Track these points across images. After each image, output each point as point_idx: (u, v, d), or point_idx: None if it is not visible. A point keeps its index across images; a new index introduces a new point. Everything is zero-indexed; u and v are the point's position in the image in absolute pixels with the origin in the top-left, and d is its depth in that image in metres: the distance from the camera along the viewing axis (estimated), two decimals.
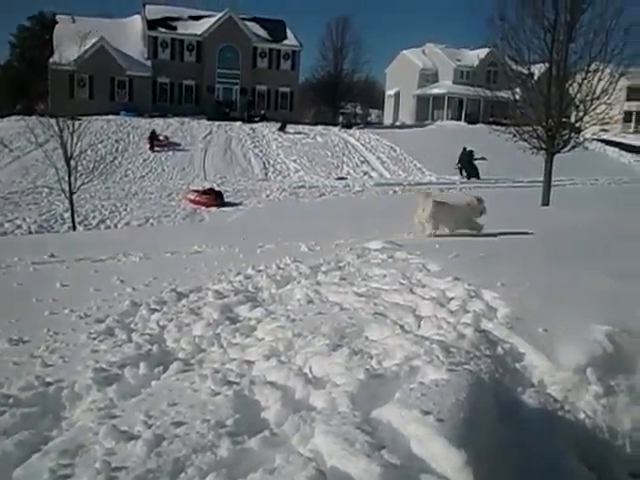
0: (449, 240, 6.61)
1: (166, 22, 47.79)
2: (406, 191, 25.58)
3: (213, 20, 48.05)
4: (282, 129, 39.21)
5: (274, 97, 50.09)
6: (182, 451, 1.83)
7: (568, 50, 19.17)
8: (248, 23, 49.32)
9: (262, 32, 50.09)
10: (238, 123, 40.67)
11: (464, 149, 30.85)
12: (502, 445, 2.23)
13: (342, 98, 57.88)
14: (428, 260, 4.72)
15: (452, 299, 3.48)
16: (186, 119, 40.67)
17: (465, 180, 29.39)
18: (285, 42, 50.88)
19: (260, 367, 2.55)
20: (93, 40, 39.92)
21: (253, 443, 1.83)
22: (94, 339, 3.34)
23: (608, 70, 19.31)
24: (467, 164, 30.02)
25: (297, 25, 79.68)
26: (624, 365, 2.76)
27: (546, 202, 18.35)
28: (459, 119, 53.65)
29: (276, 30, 50.90)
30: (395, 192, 25.14)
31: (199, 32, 47.67)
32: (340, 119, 48.61)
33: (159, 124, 37.86)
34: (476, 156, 36.72)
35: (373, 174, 32.22)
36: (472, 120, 50.21)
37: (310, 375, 2.46)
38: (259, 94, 49.51)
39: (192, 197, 21.25)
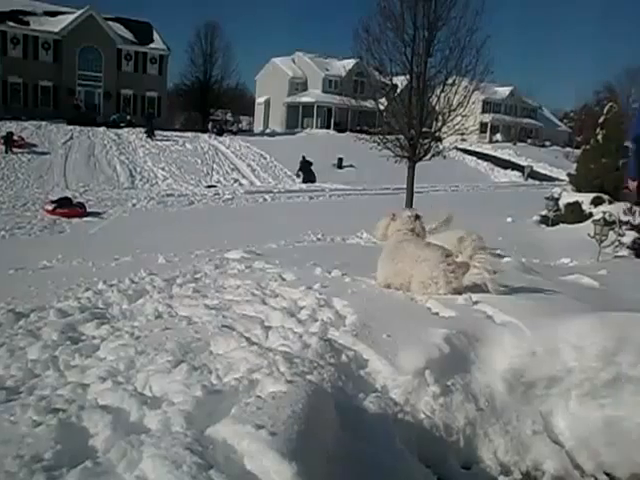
0: (309, 247, 6.72)
1: (16, 16, 44.06)
2: (276, 198, 25.78)
3: (72, 17, 45.12)
4: (150, 135, 37.99)
5: (141, 102, 48.32)
6: None
7: (427, 64, 20.22)
8: (111, 23, 47.00)
9: (127, 33, 48.05)
10: (102, 128, 38.80)
11: (303, 158, 33.26)
12: (343, 453, 2.27)
13: (212, 105, 57.08)
14: (285, 270, 4.75)
15: (303, 308, 3.51)
16: (43, 123, 38.02)
17: (302, 183, 32.01)
18: (152, 45, 49.20)
19: (95, 390, 2.41)
20: None
21: (72, 476, 1.71)
22: None
23: (464, 84, 20.64)
24: (306, 171, 32.61)
25: (164, 29, 77.32)
26: (459, 365, 2.93)
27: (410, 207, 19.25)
28: (328, 127, 55.00)
29: (142, 32, 49.07)
30: (265, 200, 25.21)
31: (56, 29, 44.53)
32: (209, 126, 47.85)
33: (12, 128, 35.09)
34: (344, 164, 37.95)
35: (243, 181, 32.14)
36: (341, 129, 51.71)
37: (150, 394, 2.37)
38: (125, 99, 47.55)
39: (51, 207, 19.91)
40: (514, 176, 45.79)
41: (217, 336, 2.98)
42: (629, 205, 10.14)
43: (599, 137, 13.60)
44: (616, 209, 10.43)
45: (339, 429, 2.33)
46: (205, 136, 41.55)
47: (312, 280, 4.19)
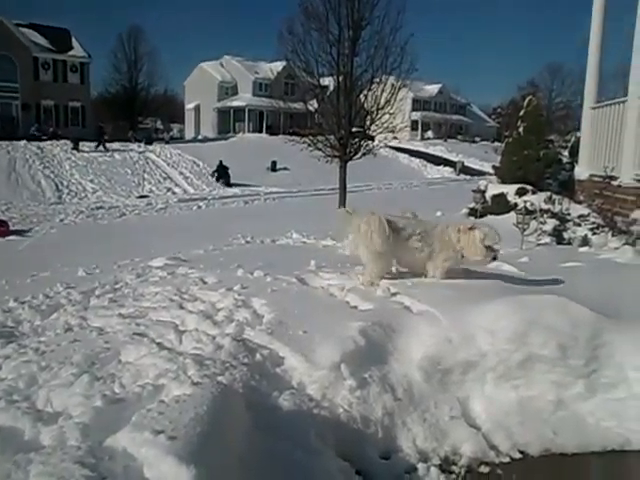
0: (237, 250, 6.64)
1: None
2: (211, 205, 25.46)
3: None
4: (75, 147, 36.73)
5: (64, 113, 46.47)
6: None
7: (353, 63, 20.39)
8: (24, 30, 44.44)
9: (43, 41, 45.71)
10: (22, 142, 37.14)
11: (220, 162, 33.84)
12: (256, 452, 2.23)
13: (140, 113, 55.88)
14: (208, 273, 4.67)
15: (221, 310, 3.45)
16: None
17: (222, 186, 32.85)
18: (71, 53, 47.06)
19: None
20: None
21: None
22: None
23: (391, 82, 20.93)
24: (223, 174, 33.45)
25: (84, 35, 74.59)
26: (376, 357, 2.93)
27: (343, 207, 19.36)
28: (260, 131, 54.79)
29: (60, 39, 46.83)
30: (200, 207, 24.86)
31: None
32: (131, 134, 46.42)
33: None
34: (279, 167, 37.96)
35: (177, 190, 31.56)
36: (273, 132, 51.59)
37: (50, 410, 2.25)
38: (46, 110, 45.63)
39: None
40: (446, 172, 46.84)
41: (128, 344, 2.87)
42: (549, 194, 10.52)
43: (520, 130, 14.05)
44: (538, 199, 10.78)
45: (251, 428, 2.29)
46: (134, 145, 40.54)
47: (233, 282, 4.13)
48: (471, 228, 3.89)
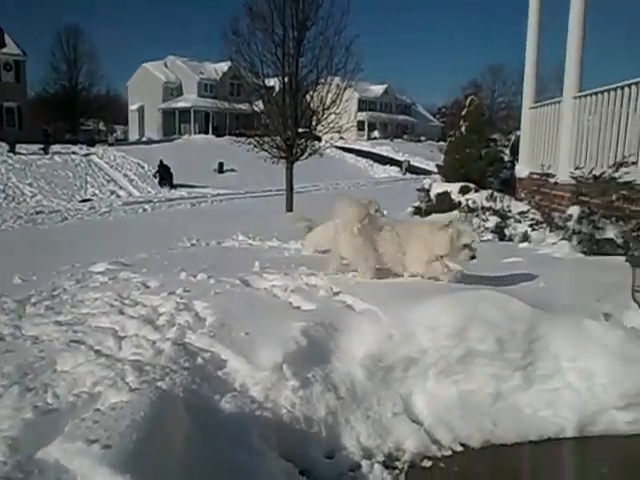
0: (182, 253, 6.54)
1: None
2: (157, 208, 25.03)
3: None
4: (12, 150, 35.42)
5: None
6: None
7: (298, 64, 20.42)
8: None
9: None
10: None
11: (161, 162, 33.40)
12: (196, 456, 2.20)
13: (82, 114, 54.34)
14: (150, 277, 4.58)
15: (162, 314, 3.39)
16: None
17: (161, 187, 32.44)
18: (5, 50, 45.02)
19: None
20: None
21: None
22: None
23: (336, 82, 21.03)
24: (164, 174, 32.93)
25: (17, 33, 71.75)
26: (319, 356, 2.93)
27: (290, 208, 19.35)
28: (207, 132, 54.24)
29: None
30: (145, 210, 24.39)
31: None
32: (66, 136, 45.06)
33: None
34: (225, 168, 37.65)
35: (121, 193, 30.86)
36: (220, 133, 51.14)
37: None
38: None
39: None
40: (393, 171, 47.47)
41: (64, 352, 2.79)
42: (491, 192, 10.79)
43: (462, 129, 14.35)
44: (481, 197, 11.02)
45: (192, 432, 2.26)
46: (76, 147, 39.42)
47: (176, 285, 4.07)
48: (444, 226, 3.84)
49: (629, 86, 7.32)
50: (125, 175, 34.19)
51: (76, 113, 53.25)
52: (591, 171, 7.06)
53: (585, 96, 8.74)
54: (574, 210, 6.78)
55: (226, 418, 2.44)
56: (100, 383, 2.31)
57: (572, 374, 3.02)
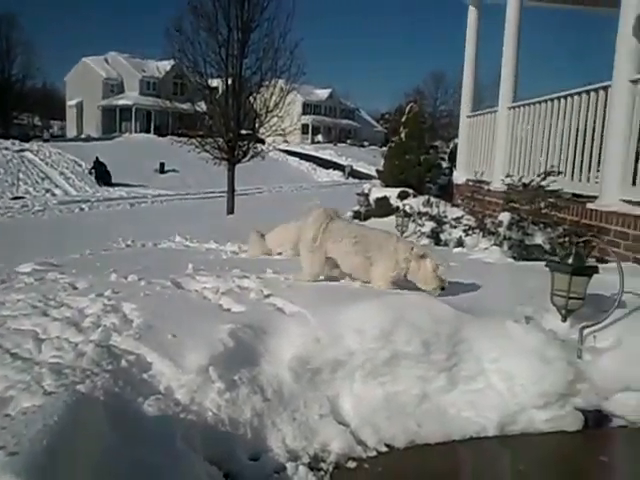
0: (116, 254, 6.40)
1: None
2: (94, 208, 24.40)
3: None
4: None
5: None
6: None
7: (242, 65, 20.33)
8: None
9: None
10: None
11: (97, 159, 33.08)
12: (115, 460, 2.15)
13: (15, 107, 52.18)
14: (79, 278, 4.46)
15: (88, 316, 3.30)
16: None
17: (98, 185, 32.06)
18: None
19: None
20: None
21: None
22: None
23: (280, 85, 21.04)
24: (100, 172, 32.54)
25: None
26: (246, 358, 2.93)
27: (231, 210, 19.22)
28: (148, 131, 53.22)
29: None
30: (82, 209, 23.74)
31: None
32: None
33: None
34: (167, 169, 37.04)
35: (57, 191, 29.95)
36: (162, 132, 50.26)
37: None
38: None
39: None
40: (336, 175, 47.83)
41: None
42: (428, 197, 11.01)
43: (402, 135, 14.60)
44: (418, 202, 11.22)
45: (111, 437, 2.21)
46: (8, 143, 37.91)
47: (105, 287, 3.97)
48: (422, 256, 3.90)
49: (558, 99, 7.64)
50: (61, 173, 33.20)
51: (8, 106, 51.04)
52: (520, 179, 7.31)
53: (519, 106, 9.06)
54: (505, 216, 6.99)
55: (148, 421, 2.40)
56: (13, 387, 2.23)
57: (494, 375, 3.11)
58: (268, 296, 3.61)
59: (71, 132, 57.45)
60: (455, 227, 8.90)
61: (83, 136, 52.43)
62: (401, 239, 4.32)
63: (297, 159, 51.66)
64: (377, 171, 15.66)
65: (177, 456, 2.32)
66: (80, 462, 1.92)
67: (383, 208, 12.74)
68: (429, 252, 3.97)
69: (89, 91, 56.16)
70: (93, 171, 32.84)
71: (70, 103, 59.35)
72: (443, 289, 3.88)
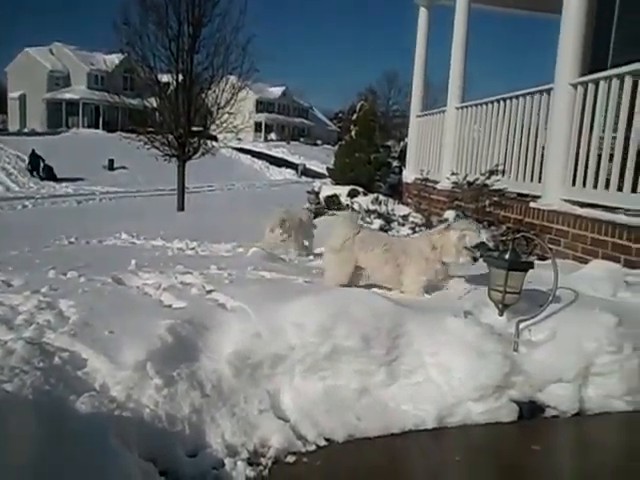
0: (57, 251, 6.23)
1: None
2: (39, 204, 23.70)
3: None
4: None
5: None
6: None
7: (193, 60, 20.07)
8: None
9: None
10: None
11: (33, 151, 32.15)
12: (44, 461, 2.09)
13: None
14: (15, 276, 4.32)
15: (21, 314, 3.20)
16: None
17: (41, 180, 31.05)
18: None
19: None
20: None
21: None
22: None
23: (232, 81, 20.86)
24: (36, 165, 31.57)
25: None
26: (185, 354, 2.89)
27: (181, 207, 18.98)
28: (97, 127, 51.96)
29: None
30: (25, 206, 23.03)
31: None
32: None
33: None
34: (116, 165, 36.30)
35: None
36: (111, 128, 49.17)
37: None
38: None
39: None
40: (288, 174, 47.79)
41: None
42: (377, 195, 11.13)
43: (353, 133, 14.71)
44: (367, 200, 11.32)
45: (41, 436, 2.15)
46: None
47: (42, 284, 3.86)
48: (447, 228, 3.82)
49: (504, 100, 7.82)
50: (3, 168, 32.13)
51: None
52: (465, 177, 7.46)
53: (466, 107, 9.23)
54: (449, 214, 7.13)
55: (80, 419, 2.34)
56: None
57: (433, 369, 3.17)
58: (210, 292, 3.59)
59: (14, 126, 55.41)
60: (403, 225, 9.03)
61: (26, 130, 50.74)
62: (423, 237, 4.15)
63: (250, 157, 51.38)
64: (328, 169, 15.73)
65: (110, 454, 2.27)
66: (5, 465, 1.86)
67: (333, 206, 12.80)
68: (455, 224, 3.88)
69: (33, 83, 54.33)
70: (29, 166, 31.72)
71: (12, 95, 57.24)
72: (475, 259, 3.76)
